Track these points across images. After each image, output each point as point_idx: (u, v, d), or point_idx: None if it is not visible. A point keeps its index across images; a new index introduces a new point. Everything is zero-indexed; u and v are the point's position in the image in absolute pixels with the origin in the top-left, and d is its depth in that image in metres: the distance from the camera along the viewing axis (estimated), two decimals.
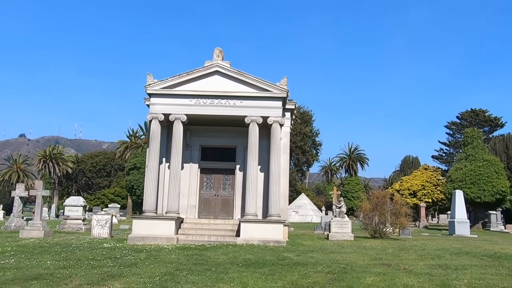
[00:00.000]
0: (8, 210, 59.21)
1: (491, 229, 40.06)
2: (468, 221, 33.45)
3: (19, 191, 30.80)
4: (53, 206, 67.53)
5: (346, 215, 24.10)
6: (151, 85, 21.03)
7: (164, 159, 22.20)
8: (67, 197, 41.52)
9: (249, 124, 20.84)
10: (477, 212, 43.79)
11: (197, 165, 23.00)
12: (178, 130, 20.99)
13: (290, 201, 53.31)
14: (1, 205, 59.45)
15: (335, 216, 24.25)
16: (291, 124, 24.66)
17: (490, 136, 73.12)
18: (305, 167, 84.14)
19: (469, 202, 40.94)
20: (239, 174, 22.79)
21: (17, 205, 30.66)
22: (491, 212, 41.80)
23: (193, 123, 22.12)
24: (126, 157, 74.88)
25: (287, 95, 21.19)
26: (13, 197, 31.41)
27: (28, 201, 65.33)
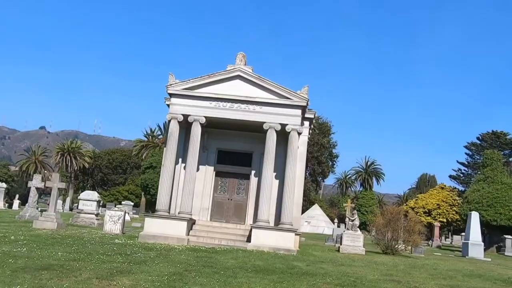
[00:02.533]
0: (24, 200, 59.92)
1: (505, 253, 39.31)
2: (483, 244, 32.90)
3: (36, 182, 31.19)
4: (68, 199, 68.16)
5: (358, 229, 23.88)
6: (172, 85, 21.14)
7: (180, 160, 22.27)
8: (82, 191, 41.89)
9: (267, 130, 20.81)
10: (492, 235, 43.05)
11: (212, 167, 23.02)
12: (196, 132, 21.05)
13: (303, 211, 53.02)
14: (17, 195, 60.25)
15: (348, 229, 24.04)
16: (309, 134, 24.57)
17: (510, 159, 72.07)
18: (320, 178, 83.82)
19: (484, 225, 40.28)
20: (253, 180, 22.75)
21: (33, 195, 31.06)
22: (506, 236, 41.03)
23: (211, 126, 22.17)
24: (143, 156, 75.44)
25: (307, 104, 21.13)
26: (30, 188, 31.81)
27: (43, 193, 66.25)
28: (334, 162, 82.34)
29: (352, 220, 23.98)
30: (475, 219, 33.42)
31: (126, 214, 29.99)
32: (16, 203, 56.35)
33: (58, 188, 24.19)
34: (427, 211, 59.55)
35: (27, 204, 31.96)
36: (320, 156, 75.53)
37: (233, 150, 23.25)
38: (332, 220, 65.78)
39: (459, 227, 60.32)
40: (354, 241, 22.86)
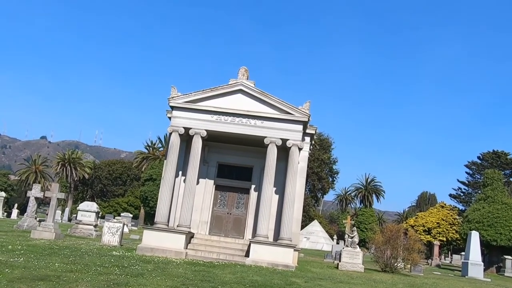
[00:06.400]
0: (22, 210, 59.83)
1: (505, 274, 39.06)
2: (482, 264, 32.71)
3: (35, 191, 31.08)
4: (67, 210, 68.02)
5: (357, 246, 23.77)
6: (174, 98, 21.20)
7: (180, 172, 22.25)
8: (81, 202, 41.81)
9: (268, 145, 20.82)
10: (492, 255, 42.79)
11: (212, 181, 22.99)
12: (197, 145, 21.06)
13: (302, 227, 52.78)
14: (16, 204, 60.13)
15: (347, 246, 23.93)
16: (310, 149, 24.56)
17: (511, 179, 71.97)
18: (320, 194, 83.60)
19: (484, 245, 40.05)
20: (253, 194, 22.70)
21: (32, 205, 30.90)
22: (506, 256, 40.81)
23: (212, 139, 22.18)
24: (143, 168, 75.37)
25: (309, 120, 21.15)
26: (29, 197, 31.70)
27: (42, 203, 66.05)
28: (334, 178, 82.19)
29: (352, 237, 23.88)
30: (475, 238, 33.26)
31: (125, 226, 29.91)
32: (14, 212, 56.21)
33: (57, 198, 24.16)
34: (426, 229, 59.29)
35: (25, 213, 31.82)
36: (320, 172, 75.42)
37: (234, 164, 23.24)
38: (331, 237, 65.50)
39: (458, 246, 60.00)
40: (353, 258, 22.74)
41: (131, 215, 61.52)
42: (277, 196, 21.81)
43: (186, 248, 20.24)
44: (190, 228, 20.88)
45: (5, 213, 55.93)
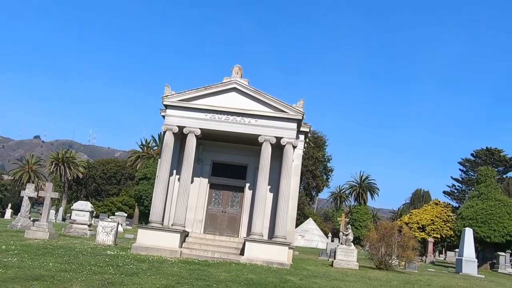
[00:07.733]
0: (16, 210, 59.55)
1: (499, 270, 39.30)
2: (476, 260, 32.85)
3: (29, 191, 30.95)
4: (61, 209, 67.74)
5: (352, 244, 23.82)
6: (168, 96, 21.14)
7: (174, 171, 22.21)
8: (76, 202, 41.64)
9: (262, 143, 20.80)
10: (486, 252, 43.04)
11: (207, 180, 22.95)
12: (191, 143, 21.02)
13: (297, 225, 52.94)
14: (10, 204, 59.85)
15: (341, 244, 23.97)
16: (304, 147, 24.57)
17: (504, 176, 72.36)
18: (315, 192, 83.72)
19: (478, 241, 40.27)
20: (248, 193, 22.68)
21: (25, 205, 30.77)
22: (500, 253, 41.05)
23: (206, 138, 22.15)
24: (137, 167, 75.16)
25: (303, 118, 21.15)
26: (22, 197, 31.56)
27: (36, 202, 65.84)
28: (329, 176, 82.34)
29: (346, 235, 23.92)
30: (469, 235, 33.39)
31: (119, 225, 29.81)
32: (8, 212, 55.99)
33: (51, 198, 24.06)
34: (421, 226, 59.62)
35: (19, 213, 31.68)
36: (315, 170, 75.53)
37: (228, 162, 23.21)
38: (326, 234, 65.63)
39: (453, 243, 60.29)
40: (347, 256, 22.78)
41: (126, 214, 61.33)
42: (271, 194, 21.82)
43: (181, 247, 20.22)
44: (184, 227, 20.86)
45: None
